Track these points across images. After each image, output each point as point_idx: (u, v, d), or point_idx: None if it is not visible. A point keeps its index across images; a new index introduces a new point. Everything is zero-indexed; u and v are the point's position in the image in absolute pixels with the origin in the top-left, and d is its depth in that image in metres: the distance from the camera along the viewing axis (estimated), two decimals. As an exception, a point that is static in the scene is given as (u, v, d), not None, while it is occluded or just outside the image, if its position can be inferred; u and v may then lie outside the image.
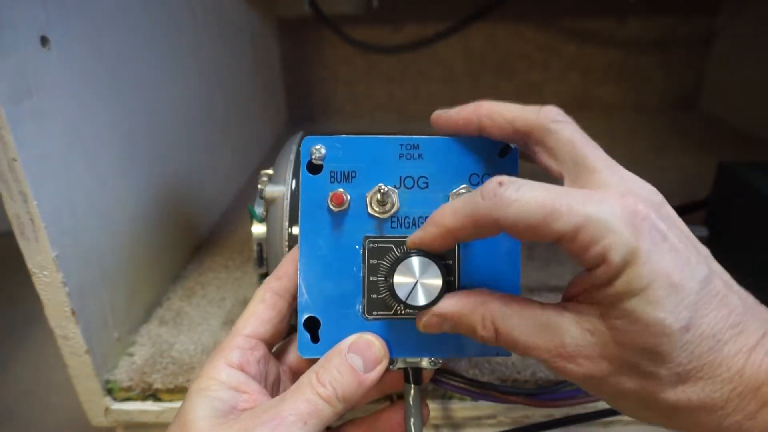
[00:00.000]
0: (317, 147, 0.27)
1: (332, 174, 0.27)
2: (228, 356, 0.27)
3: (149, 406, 0.41)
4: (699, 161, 0.77)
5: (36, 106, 0.33)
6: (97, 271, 0.40)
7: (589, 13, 0.97)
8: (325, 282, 0.27)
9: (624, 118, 0.98)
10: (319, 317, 0.27)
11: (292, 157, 0.36)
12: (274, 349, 0.31)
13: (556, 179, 0.24)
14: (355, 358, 0.26)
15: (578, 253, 0.21)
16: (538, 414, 0.39)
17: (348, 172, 0.27)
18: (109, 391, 0.41)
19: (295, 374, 0.30)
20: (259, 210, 0.36)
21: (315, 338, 0.27)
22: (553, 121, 0.24)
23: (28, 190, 0.33)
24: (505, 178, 0.22)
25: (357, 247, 0.27)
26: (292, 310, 0.29)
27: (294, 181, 0.35)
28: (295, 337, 0.31)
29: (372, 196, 0.27)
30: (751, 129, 0.88)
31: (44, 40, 0.34)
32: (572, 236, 0.20)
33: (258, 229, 0.36)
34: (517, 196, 0.21)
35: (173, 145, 0.54)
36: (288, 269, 0.29)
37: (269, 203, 0.35)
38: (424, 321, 0.25)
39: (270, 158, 0.42)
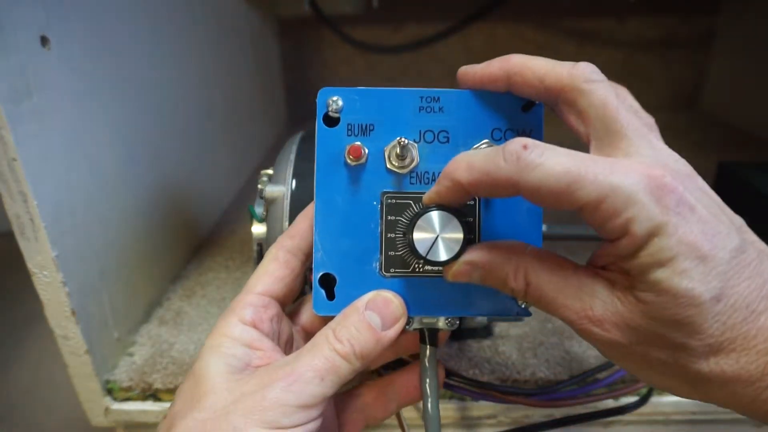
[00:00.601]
0: (334, 99, 0.26)
1: (349, 127, 0.26)
2: (240, 313, 0.26)
3: (149, 406, 0.41)
4: (699, 161, 0.76)
5: (36, 106, 0.33)
6: (97, 271, 0.40)
7: (589, 13, 0.97)
8: (342, 238, 0.26)
9: (624, 118, 0.98)
10: (335, 274, 0.27)
11: (292, 157, 0.36)
12: (287, 309, 0.30)
13: (583, 141, 0.24)
14: (373, 316, 0.25)
15: (601, 223, 0.20)
16: (538, 414, 0.39)
17: (366, 125, 0.26)
18: (109, 391, 0.41)
19: (309, 334, 0.30)
20: (259, 210, 0.36)
21: (330, 295, 0.27)
22: (586, 81, 0.23)
23: (28, 190, 0.33)
24: (529, 141, 0.21)
25: (374, 202, 0.26)
26: (306, 270, 0.29)
27: (294, 181, 0.35)
28: (309, 298, 0.30)
29: (391, 150, 0.26)
30: (751, 129, 0.88)
31: (44, 40, 0.34)
32: (595, 206, 0.20)
33: (258, 229, 0.36)
34: (541, 161, 0.20)
35: (173, 145, 0.54)
36: (302, 227, 0.28)
37: (269, 203, 0.35)
38: (453, 270, 0.24)
39: (270, 158, 0.42)
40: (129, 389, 0.41)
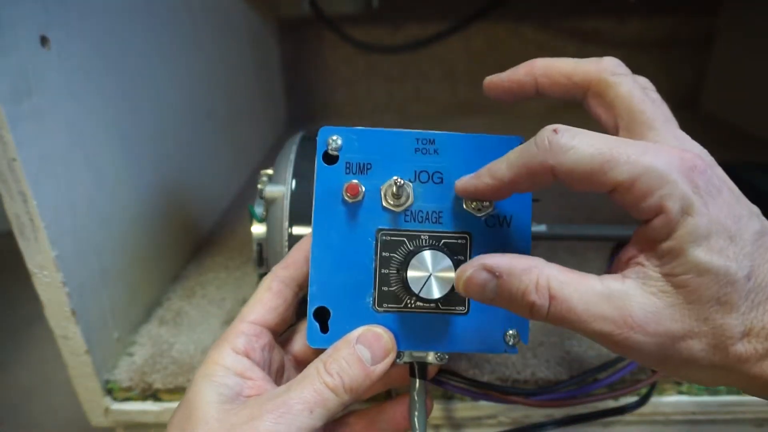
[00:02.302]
0: (334, 138, 0.27)
1: (347, 165, 0.27)
2: (233, 342, 0.27)
3: (149, 406, 0.41)
4: (699, 161, 0.76)
5: (36, 105, 0.33)
6: (97, 271, 0.40)
7: (589, 13, 0.97)
8: (337, 273, 0.27)
9: (624, 118, 0.98)
10: (329, 307, 0.27)
11: (292, 157, 0.36)
12: (279, 338, 0.31)
13: (611, 133, 0.24)
14: (363, 350, 0.25)
15: (634, 203, 0.21)
16: (538, 414, 0.39)
17: (363, 164, 0.27)
18: (109, 391, 0.41)
19: (300, 363, 0.30)
20: (259, 210, 0.36)
21: (324, 328, 0.27)
22: (612, 74, 0.23)
23: (28, 190, 0.33)
24: (559, 126, 0.21)
25: (370, 239, 0.27)
26: (299, 300, 0.29)
27: (294, 182, 0.34)
28: (301, 327, 0.31)
29: (387, 189, 0.27)
30: (751, 129, 0.88)
31: (44, 40, 0.34)
32: (629, 186, 0.20)
33: (258, 229, 0.36)
34: (574, 143, 0.21)
35: (173, 144, 0.54)
36: (297, 258, 0.29)
37: (269, 203, 0.35)
38: (468, 274, 0.23)
39: (270, 158, 0.42)
40: (129, 389, 0.41)
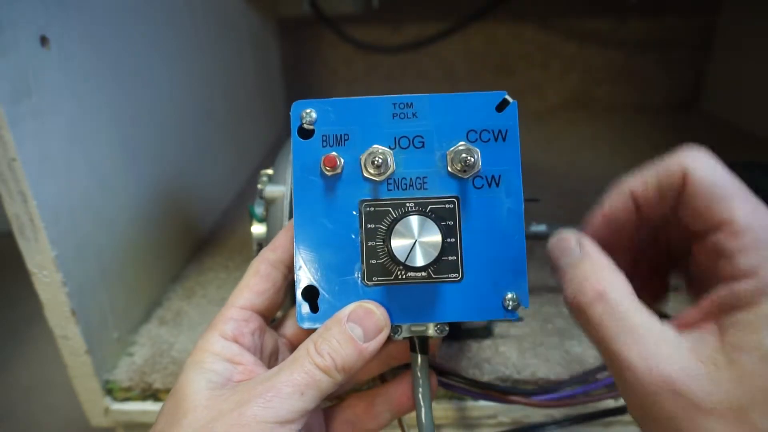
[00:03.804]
0: (307, 111, 0.26)
1: (324, 138, 0.26)
2: (222, 328, 0.26)
3: (149, 406, 0.41)
4: (699, 161, 0.76)
5: (36, 105, 0.33)
6: (97, 271, 0.40)
7: (589, 13, 0.97)
8: (322, 250, 0.26)
9: (624, 118, 0.98)
10: (317, 286, 0.26)
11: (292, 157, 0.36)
12: (273, 322, 0.30)
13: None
14: (355, 328, 0.25)
15: (732, 253, 0.20)
16: (538, 414, 0.39)
17: (340, 135, 0.26)
18: (109, 391, 0.41)
19: (294, 346, 0.30)
20: (259, 210, 0.36)
21: (314, 308, 0.26)
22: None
23: (28, 190, 0.33)
24: None
25: (353, 212, 0.26)
26: (288, 283, 0.29)
27: (294, 181, 0.34)
28: (293, 309, 0.30)
29: (366, 159, 0.26)
30: (751, 129, 0.88)
31: (44, 40, 0.34)
32: (738, 233, 0.20)
33: (258, 229, 0.36)
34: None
35: (173, 144, 0.54)
36: (283, 240, 0.28)
37: (269, 203, 0.35)
38: (563, 236, 0.25)
39: (270, 158, 0.42)
40: (129, 389, 0.41)
